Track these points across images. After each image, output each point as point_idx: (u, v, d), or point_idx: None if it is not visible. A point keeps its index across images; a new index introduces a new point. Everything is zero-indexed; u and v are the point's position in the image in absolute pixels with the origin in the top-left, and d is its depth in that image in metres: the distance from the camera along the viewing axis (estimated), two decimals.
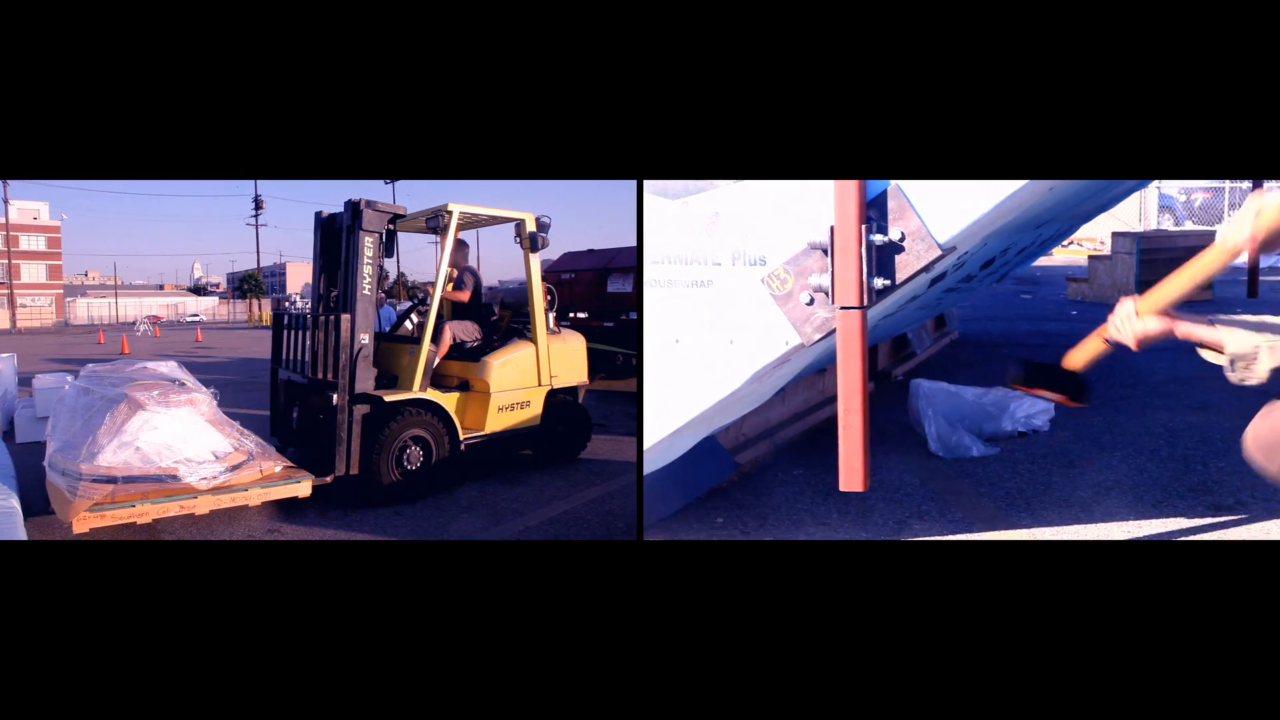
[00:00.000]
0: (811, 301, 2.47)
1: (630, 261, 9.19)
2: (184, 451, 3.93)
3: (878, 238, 2.36)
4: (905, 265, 2.38)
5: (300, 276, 74.55)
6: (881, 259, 2.39)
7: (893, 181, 2.38)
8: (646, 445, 2.99)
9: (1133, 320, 2.18)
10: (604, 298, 9.38)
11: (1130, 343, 2.21)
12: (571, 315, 9.29)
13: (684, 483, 3.64)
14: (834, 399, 3.30)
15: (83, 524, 3.56)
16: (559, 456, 5.48)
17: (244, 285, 58.16)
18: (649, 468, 3.11)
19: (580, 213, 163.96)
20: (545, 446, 5.40)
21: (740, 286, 2.58)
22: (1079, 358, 2.38)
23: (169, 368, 4.51)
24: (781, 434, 4.27)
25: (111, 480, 3.67)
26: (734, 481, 3.82)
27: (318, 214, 4.96)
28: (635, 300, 3.95)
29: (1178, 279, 2.16)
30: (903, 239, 2.36)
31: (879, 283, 2.38)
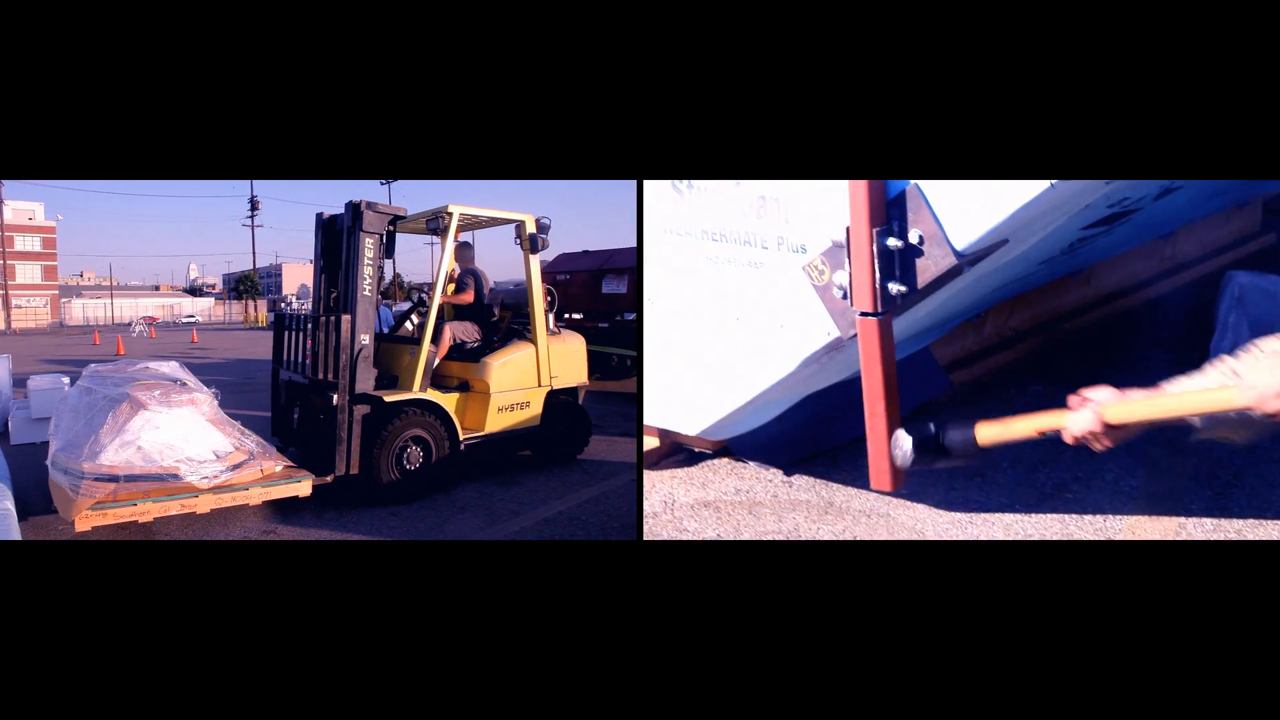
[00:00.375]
0: (845, 296, 2.41)
1: (625, 263, 9.23)
2: (185, 451, 3.95)
3: (891, 242, 2.26)
4: (924, 270, 2.27)
5: (296, 277, 74.39)
6: (903, 263, 2.27)
7: (912, 181, 2.27)
8: (704, 425, 3.00)
9: (1098, 429, 1.94)
10: (599, 299, 9.41)
11: (1096, 447, 2.00)
12: (566, 316, 9.33)
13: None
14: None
15: (85, 522, 3.58)
16: (558, 457, 5.50)
17: (240, 286, 58.15)
18: (721, 434, 3.05)
19: (576, 213, 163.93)
20: (545, 447, 5.42)
21: (786, 272, 2.57)
22: (1001, 432, 2.10)
23: (171, 368, 4.52)
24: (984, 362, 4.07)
25: (113, 479, 3.69)
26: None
27: (319, 215, 4.98)
28: (635, 300, 3.95)
29: (1164, 402, 1.88)
30: (921, 242, 2.25)
31: (895, 288, 2.27)
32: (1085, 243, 3.33)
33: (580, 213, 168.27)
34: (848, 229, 2.31)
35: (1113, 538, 3.00)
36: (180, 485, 3.84)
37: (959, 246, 2.26)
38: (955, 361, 3.91)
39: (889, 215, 2.29)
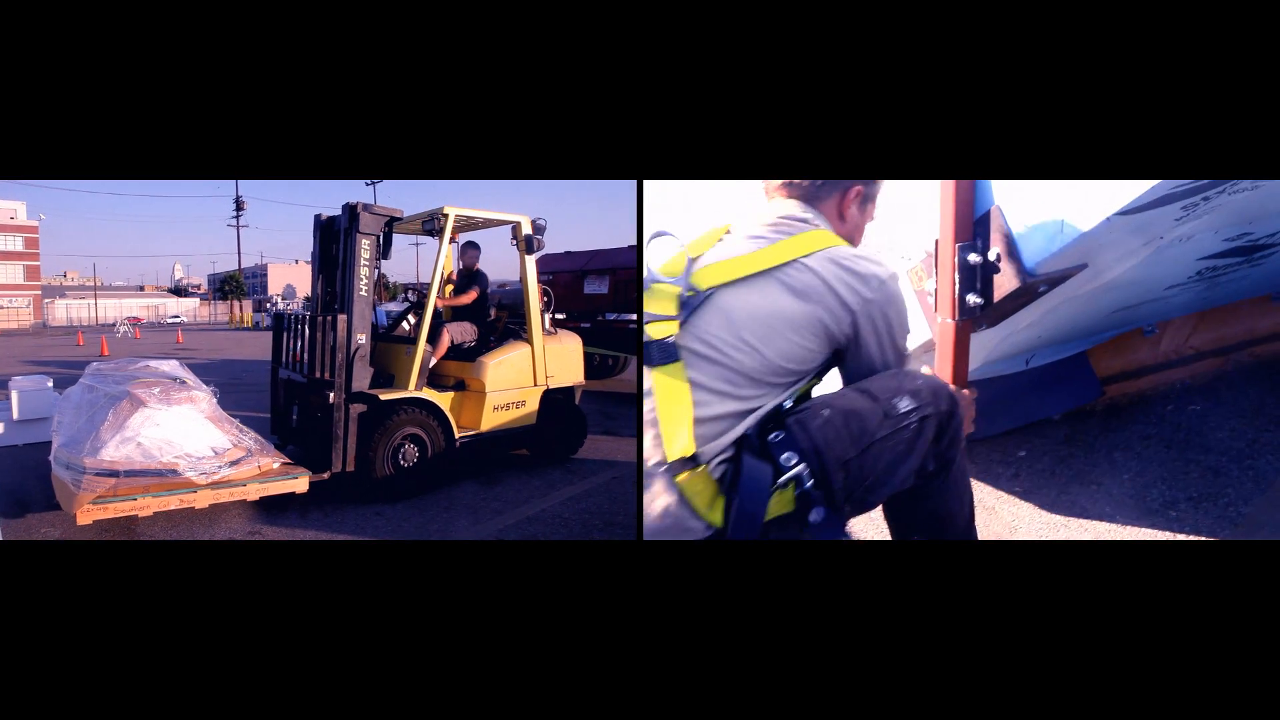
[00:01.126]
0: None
1: (607, 263, 9.33)
2: (184, 447, 4.00)
3: (972, 257, 2.37)
4: (999, 286, 2.39)
5: (281, 278, 73.99)
6: (983, 278, 2.39)
7: (995, 203, 2.36)
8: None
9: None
10: (581, 299, 9.50)
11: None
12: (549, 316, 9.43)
13: (1042, 399, 3.63)
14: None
15: (86, 516, 3.64)
16: (554, 455, 5.57)
17: (225, 286, 57.82)
18: None
19: (551, 212, 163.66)
20: (540, 445, 5.49)
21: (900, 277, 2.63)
22: None
23: (171, 366, 4.57)
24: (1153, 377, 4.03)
25: (114, 474, 3.74)
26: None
27: (317, 217, 5.04)
28: (633, 301, 4.01)
29: None
30: (998, 260, 2.36)
31: (972, 300, 2.38)
32: (1221, 273, 3.24)
33: (554, 212, 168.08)
34: (937, 241, 2.46)
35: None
36: (179, 481, 3.89)
37: (1030, 266, 2.36)
38: (1124, 373, 3.89)
39: (975, 232, 2.42)
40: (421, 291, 5.42)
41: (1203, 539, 2.96)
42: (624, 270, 8.97)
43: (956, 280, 2.41)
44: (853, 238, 2.26)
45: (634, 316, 8.85)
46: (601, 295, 9.27)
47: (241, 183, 54.89)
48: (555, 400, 5.47)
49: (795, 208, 2.19)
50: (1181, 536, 3.00)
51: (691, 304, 2.00)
